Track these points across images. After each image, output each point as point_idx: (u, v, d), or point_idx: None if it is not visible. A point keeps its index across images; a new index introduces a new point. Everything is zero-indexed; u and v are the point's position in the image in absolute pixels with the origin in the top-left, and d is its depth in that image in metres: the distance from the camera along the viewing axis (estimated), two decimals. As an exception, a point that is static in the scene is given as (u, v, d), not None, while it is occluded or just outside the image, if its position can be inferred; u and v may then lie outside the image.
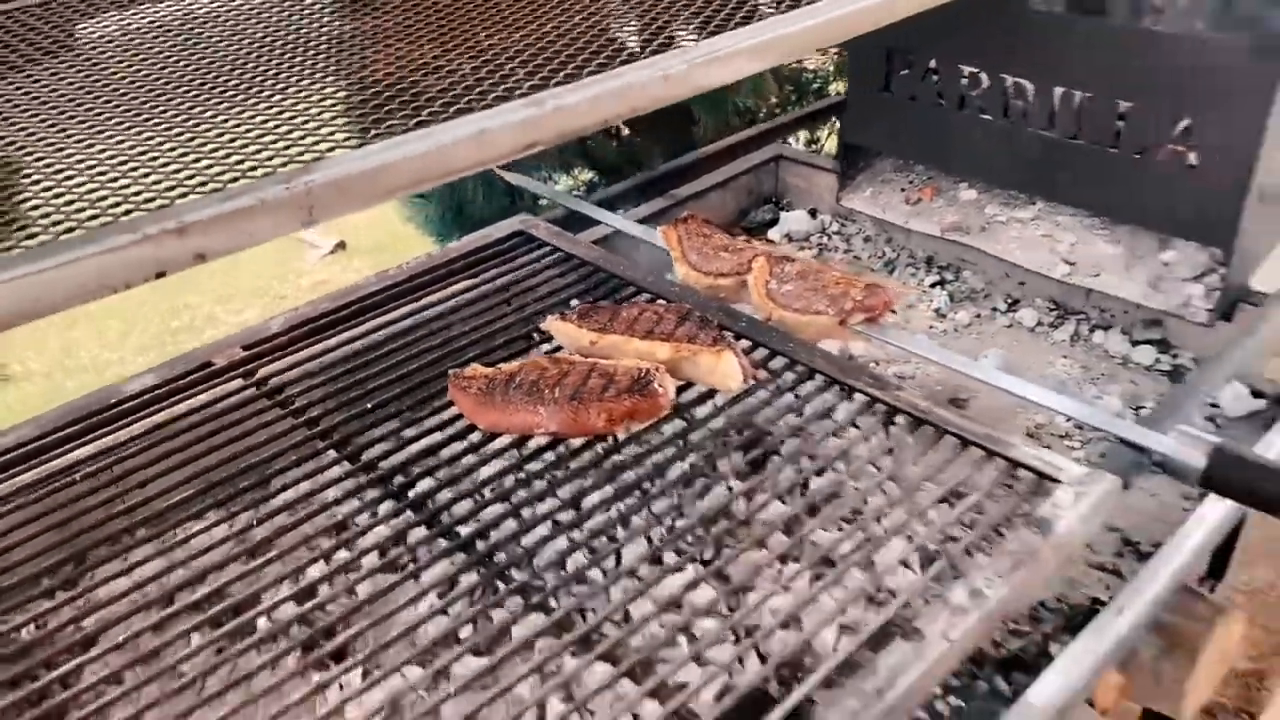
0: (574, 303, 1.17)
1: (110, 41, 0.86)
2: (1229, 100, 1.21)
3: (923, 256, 1.68)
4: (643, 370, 0.98)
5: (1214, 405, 1.36)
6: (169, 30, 0.87)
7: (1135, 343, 1.46)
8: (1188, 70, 1.24)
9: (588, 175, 2.79)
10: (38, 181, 0.61)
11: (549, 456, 0.97)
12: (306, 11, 0.90)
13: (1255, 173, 1.22)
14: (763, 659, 0.78)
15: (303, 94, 0.75)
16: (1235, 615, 1.28)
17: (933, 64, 1.46)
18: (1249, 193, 1.23)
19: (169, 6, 0.93)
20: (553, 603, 0.83)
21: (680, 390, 1.03)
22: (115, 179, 0.60)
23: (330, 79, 0.78)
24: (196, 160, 0.62)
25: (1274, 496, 0.87)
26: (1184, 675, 1.22)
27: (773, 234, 1.76)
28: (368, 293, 1.19)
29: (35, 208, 0.58)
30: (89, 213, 0.56)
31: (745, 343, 1.10)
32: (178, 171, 0.61)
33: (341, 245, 4.36)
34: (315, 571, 0.87)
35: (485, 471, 0.95)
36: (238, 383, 1.08)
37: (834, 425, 0.99)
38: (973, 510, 0.88)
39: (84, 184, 0.60)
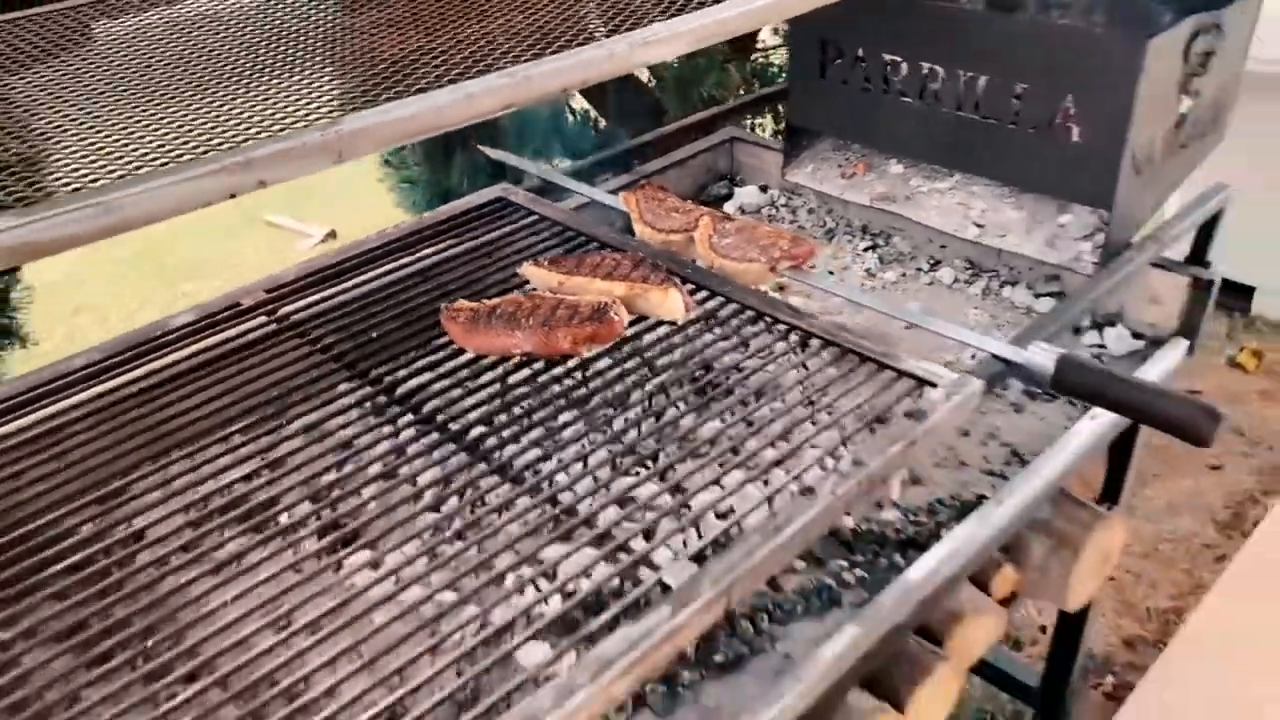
0: (551, 254, 1.37)
1: (135, 38, 1.05)
2: (1102, 81, 1.43)
3: (858, 225, 1.90)
4: (601, 302, 1.19)
5: (1101, 346, 1.58)
6: (179, 28, 1.06)
7: (1038, 295, 1.68)
8: (1067, 55, 1.45)
9: (567, 164, 2.99)
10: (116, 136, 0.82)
11: (533, 380, 1.17)
12: (301, 11, 1.10)
13: (1128, 144, 1.44)
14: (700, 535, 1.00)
15: (315, 75, 0.96)
16: (1115, 521, 1.50)
17: (860, 53, 1.67)
18: (1123, 161, 1.45)
19: (177, 9, 1.12)
20: (528, 487, 1.03)
21: (634, 322, 1.25)
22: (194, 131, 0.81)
23: (339, 62, 0.98)
24: (237, 123, 0.82)
25: (1108, 394, 1.09)
26: (1068, 571, 1.44)
27: (728, 207, 1.97)
28: (370, 247, 1.40)
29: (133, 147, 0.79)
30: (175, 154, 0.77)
31: (690, 286, 1.32)
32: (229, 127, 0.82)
33: (332, 234, 4.56)
34: (330, 476, 1.07)
35: (476, 385, 1.16)
36: (262, 318, 1.29)
37: (760, 348, 1.21)
38: (867, 406, 1.10)
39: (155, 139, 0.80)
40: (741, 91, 3.09)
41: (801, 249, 1.34)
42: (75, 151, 0.78)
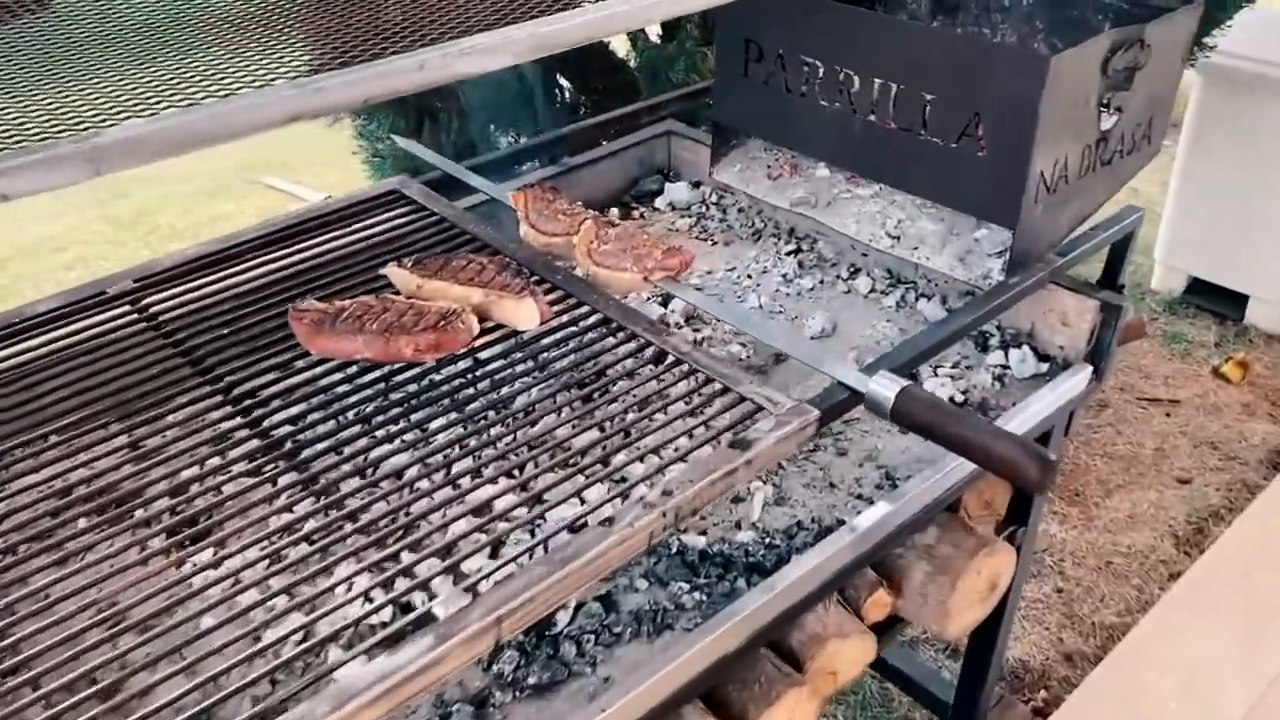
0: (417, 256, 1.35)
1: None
2: (1006, 96, 1.38)
3: (786, 227, 1.86)
4: (449, 309, 1.18)
5: (1005, 367, 1.54)
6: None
7: (950, 311, 1.64)
8: (973, 67, 1.41)
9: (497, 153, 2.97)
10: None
11: (411, 388, 1.16)
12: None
13: (1032, 161, 1.39)
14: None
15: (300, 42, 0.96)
16: (1001, 549, 1.47)
17: (780, 53, 1.63)
18: (1029, 178, 1.40)
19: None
20: (381, 504, 1.02)
21: (491, 329, 1.23)
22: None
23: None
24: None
25: (943, 432, 1.06)
26: (945, 598, 1.41)
27: (658, 202, 1.94)
28: (249, 239, 1.39)
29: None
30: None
31: (559, 293, 1.29)
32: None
33: (328, 200, 4.57)
34: (188, 473, 1.06)
35: (311, 391, 1.15)
36: (125, 308, 1.28)
37: (608, 363, 1.18)
38: (700, 429, 1.07)
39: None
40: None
41: (674, 259, 1.31)
42: None
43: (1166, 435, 3.05)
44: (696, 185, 1.96)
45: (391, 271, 1.28)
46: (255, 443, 1.09)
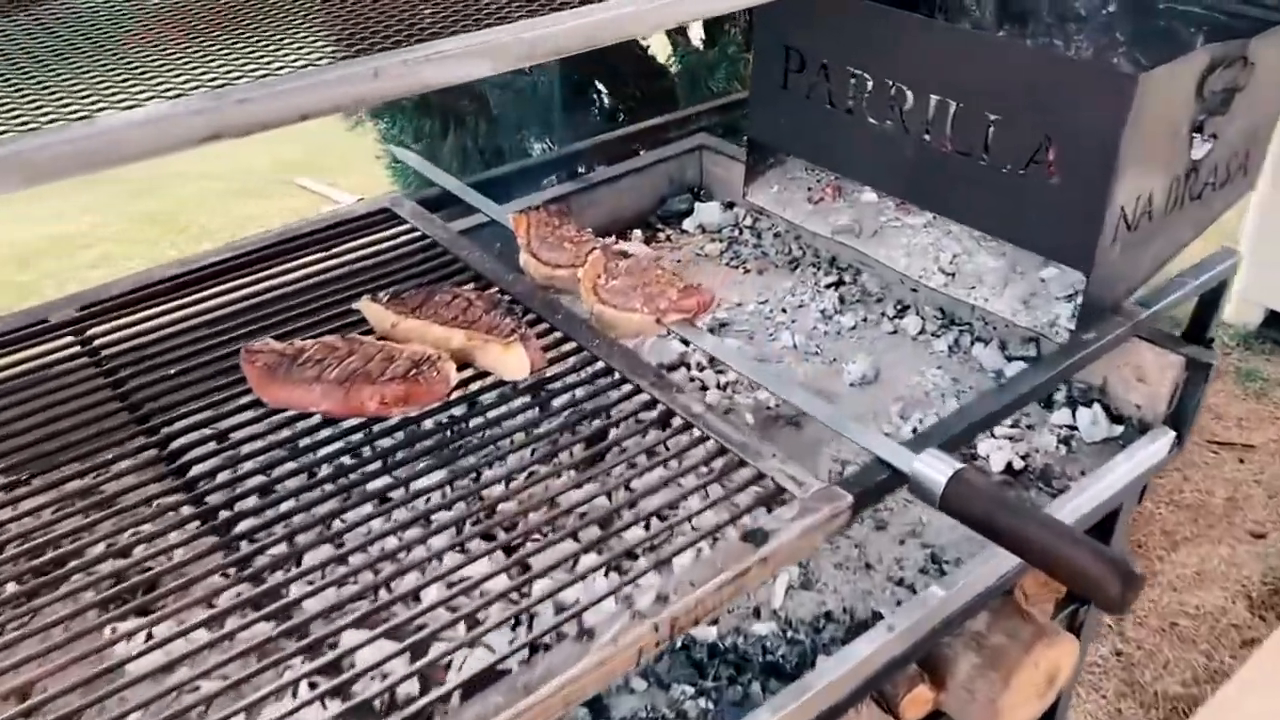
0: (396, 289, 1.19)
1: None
2: (1085, 119, 1.19)
3: (827, 256, 1.68)
4: (424, 356, 1.01)
5: (1072, 428, 1.35)
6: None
7: (1010, 358, 1.44)
8: (1047, 85, 1.22)
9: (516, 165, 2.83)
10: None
11: (368, 451, 1.00)
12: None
13: (1113, 194, 1.20)
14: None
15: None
16: (1060, 639, 1.27)
17: (824, 63, 1.45)
18: (1107, 214, 1.21)
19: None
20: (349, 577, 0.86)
21: (476, 377, 1.06)
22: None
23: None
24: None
25: (1001, 530, 0.87)
26: (997, 694, 1.22)
27: (687, 224, 1.77)
28: (211, 262, 1.23)
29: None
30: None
31: (556, 335, 1.12)
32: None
33: (361, 201, 4.45)
34: (97, 550, 0.90)
35: (250, 451, 0.99)
36: (68, 339, 1.13)
37: (607, 424, 1.01)
38: (709, 514, 0.90)
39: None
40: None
41: (691, 300, 1.13)
42: None
43: (1239, 483, 2.81)
44: (729, 206, 1.78)
45: (365, 306, 1.12)
46: (188, 510, 0.93)
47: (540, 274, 1.23)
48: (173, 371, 1.07)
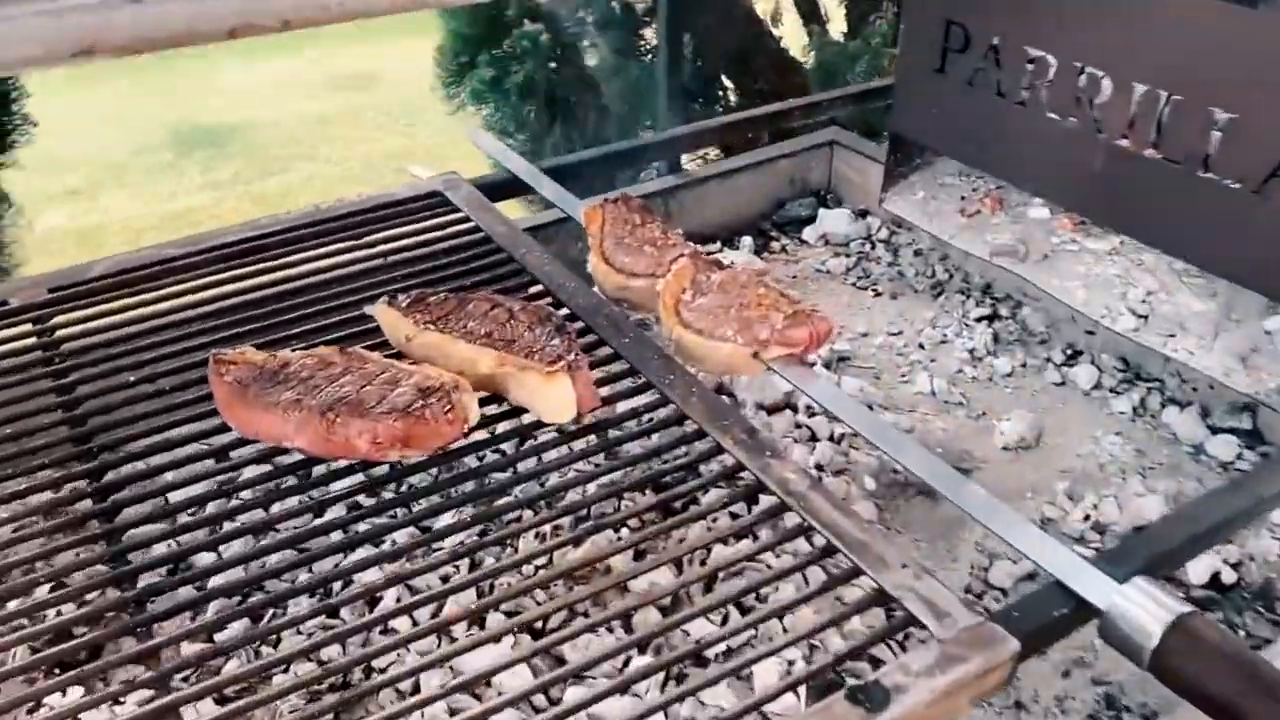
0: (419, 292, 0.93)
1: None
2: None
3: (979, 282, 1.37)
4: (436, 383, 0.75)
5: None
6: None
7: (1215, 430, 1.12)
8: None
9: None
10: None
11: (341, 509, 0.76)
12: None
13: (1394, 225, 0.87)
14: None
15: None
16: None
17: (995, 42, 1.14)
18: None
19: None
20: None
21: (503, 416, 0.80)
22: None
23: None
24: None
25: (1243, 714, 0.57)
26: None
27: (808, 233, 1.48)
28: (217, 244, 1.00)
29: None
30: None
31: (620, 365, 0.86)
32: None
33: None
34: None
35: (193, 497, 0.75)
36: (27, 327, 0.92)
37: (675, 496, 0.74)
38: (799, 663, 0.62)
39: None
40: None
41: (800, 331, 0.85)
42: None
43: None
44: (862, 215, 1.49)
45: (379, 311, 0.87)
46: (101, 571, 0.69)
47: (611, 283, 0.96)
48: (132, 379, 0.85)
